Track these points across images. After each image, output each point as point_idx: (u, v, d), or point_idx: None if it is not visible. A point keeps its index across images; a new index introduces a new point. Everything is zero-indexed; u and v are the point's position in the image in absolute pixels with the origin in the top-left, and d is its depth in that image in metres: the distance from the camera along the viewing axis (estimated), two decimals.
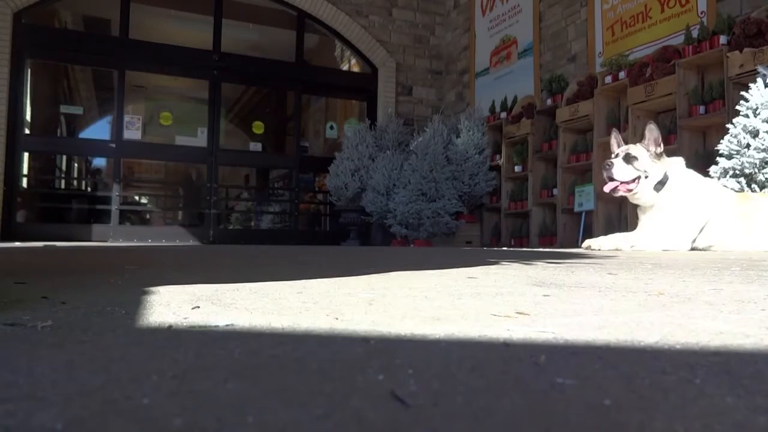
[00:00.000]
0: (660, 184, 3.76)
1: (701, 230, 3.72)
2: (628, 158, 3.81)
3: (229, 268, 2.30)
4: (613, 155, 3.97)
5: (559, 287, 1.38)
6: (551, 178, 6.66)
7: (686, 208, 3.72)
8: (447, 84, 9.38)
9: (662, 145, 3.81)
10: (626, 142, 4.11)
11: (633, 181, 3.78)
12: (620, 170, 3.79)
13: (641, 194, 3.83)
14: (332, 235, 8.63)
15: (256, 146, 9.38)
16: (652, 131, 3.78)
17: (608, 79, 5.89)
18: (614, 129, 4.16)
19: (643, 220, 3.94)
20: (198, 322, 0.90)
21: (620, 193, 3.86)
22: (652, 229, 3.81)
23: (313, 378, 0.57)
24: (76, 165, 11.17)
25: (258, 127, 9.51)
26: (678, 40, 5.43)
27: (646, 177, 3.77)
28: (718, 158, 4.08)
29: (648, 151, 3.78)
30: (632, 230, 4.11)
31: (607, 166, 3.85)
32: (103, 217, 8.12)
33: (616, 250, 3.72)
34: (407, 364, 0.63)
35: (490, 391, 0.53)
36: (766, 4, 4.72)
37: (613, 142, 4.07)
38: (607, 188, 3.90)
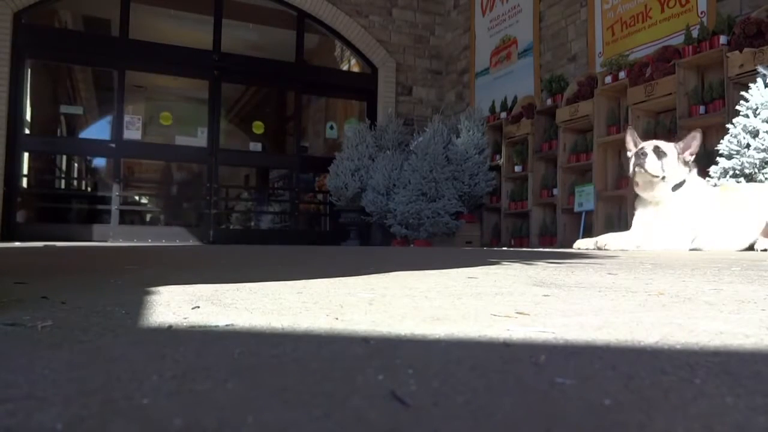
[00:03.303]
0: (678, 186, 3.91)
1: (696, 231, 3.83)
2: (659, 153, 3.90)
3: (229, 268, 2.30)
4: (632, 150, 4.09)
5: (559, 287, 1.38)
6: (551, 178, 6.65)
7: (688, 210, 3.80)
8: (447, 84, 9.37)
9: (695, 155, 3.93)
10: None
11: (656, 177, 3.90)
12: (652, 164, 3.88)
13: (657, 191, 3.95)
14: (332, 235, 8.63)
15: (256, 146, 9.39)
16: (696, 139, 3.90)
17: (608, 79, 5.88)
18: (629, 127, 4.32)
19: (640, 215, 4.02)
20: (198, 322, 0.90)
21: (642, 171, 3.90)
22: (653, 229, 3.87)
23: (313, 378, 0.57)
24: (76, 165, 11.16)
25: (258, 127, 9.52)
26: (678, 40, 5.43)
27: (667, 178, 3.90)
28: (718, 158, 4.09)
29: (679, 153, 3.90)
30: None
31: (642, 156, 3.92)
32: (103, 217, 8.12)
33: (606, 247, 3.82)
34: (407, 364, 0.63)
35: (490, 391, 0.53)
36: (766, 4, 4.72)
37: (629, 140, 4.22)
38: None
